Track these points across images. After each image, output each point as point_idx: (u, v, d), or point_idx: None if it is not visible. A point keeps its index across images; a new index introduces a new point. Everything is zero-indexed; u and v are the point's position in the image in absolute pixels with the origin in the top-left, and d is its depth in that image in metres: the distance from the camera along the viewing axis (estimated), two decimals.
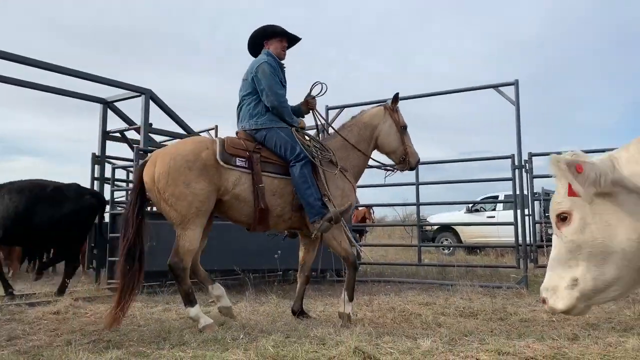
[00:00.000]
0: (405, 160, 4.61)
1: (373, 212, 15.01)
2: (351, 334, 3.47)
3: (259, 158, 4.08)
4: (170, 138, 8.13)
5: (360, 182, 8.19)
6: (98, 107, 7.57)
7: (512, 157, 7.44)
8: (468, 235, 14.41)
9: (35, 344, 3.48)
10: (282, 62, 4.49)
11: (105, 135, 7.67)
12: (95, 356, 3.02)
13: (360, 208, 13.55)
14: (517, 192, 7.41)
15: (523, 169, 7.41)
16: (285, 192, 4.15)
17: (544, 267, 8.29)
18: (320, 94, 4.60)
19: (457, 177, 8.93)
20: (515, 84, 7.37)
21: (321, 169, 4.17)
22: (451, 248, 14.72)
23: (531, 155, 7.48)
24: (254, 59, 4.48)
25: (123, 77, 6.34)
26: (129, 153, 8.04)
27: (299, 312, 4.46)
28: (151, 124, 7.10)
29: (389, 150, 4.65)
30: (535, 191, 7.90)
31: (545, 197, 12.26)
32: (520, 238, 7.39)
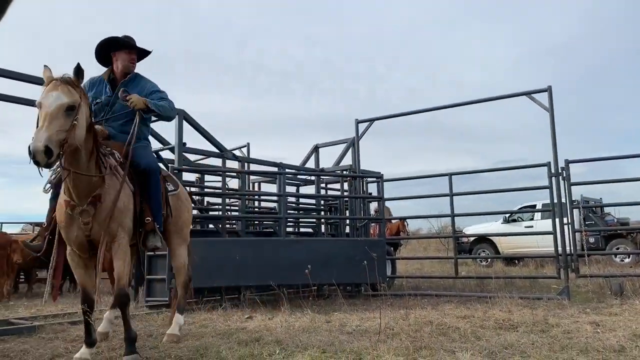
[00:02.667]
0: None
1: (407, 225, 14.88)
2: (388, 349, 3.44)
3: None
4: (204, 157, 8.27)
5: (393, 194, 8.11)
6: None
7: (548, 164, 7.29)
8: (506, 245, 14.10)
9: None
10: (133, 72, 4.21)
11: None
12: None
13: (394, 221, 13.47)
14: (555, 201, 7.24)
15: (560, 177, 7.25)
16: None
17: (586, 277, 8.09)
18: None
19: (493, 187, 8.75)
20: (549, 90, 7.24)
21: None
22: (489, 259, 14.42)
23: (568, 162, 7.31)
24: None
25: None
26: None
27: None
28: (185, 144, 7.24)
29: None
30: (573, 199, 7.69)
31: (585, 205, 11.97)
32: (559, 247, 7.19)
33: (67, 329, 4.99)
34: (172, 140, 7.20)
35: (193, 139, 7.64)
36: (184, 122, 7.06)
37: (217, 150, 7.72)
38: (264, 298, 6.94)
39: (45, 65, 3.27)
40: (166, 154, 7.73)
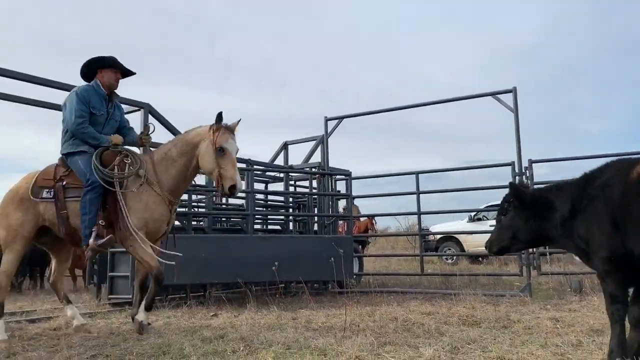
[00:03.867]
0: (220, 184, 4.28)
1: (375, 223, 14.98)
2: (352, 345, 3.45)
3: (62, 186, 4.36)
4: None
5: (361, 192, 8.13)
6: None
7: (512, 164, 7.44)
8: (471, 244, 14.33)
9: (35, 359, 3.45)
10: (114, 91, 4.64)
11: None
12: None
13: (362, 219, 13.54)
14: None
15: (524, 176, 7.40)
16: None
17: (547, 274, 8.30)
18: (152, 132, 4.91)
19: (459, 186, 8.89)
20: (514, 91, 7.38)
21: (119, 191, 4.23)
22: (454, 257, 14.65)
23: (531, 162, 7.48)
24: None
25: (121, 92, 6.32)
26: None
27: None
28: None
29: (205, 171, 4.44)
30: None
31: None
32: None
33: (25, 327, 4.84)
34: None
35: (159, 134, 7.50)
36: (150, 116, 6.92)
37: None
38: (230, 295, 6.88)
39: (220, 113, 4.28)
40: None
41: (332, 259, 5.62)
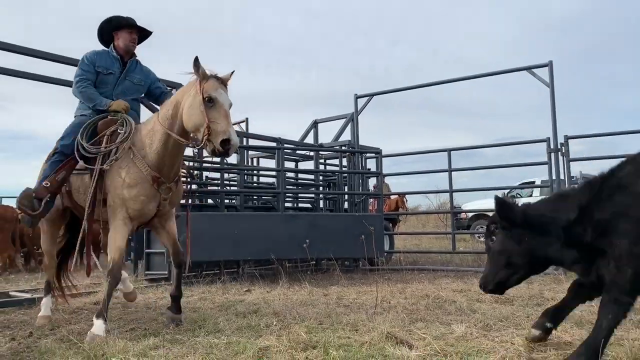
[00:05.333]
0: (210, 143, 3.45)
1: (406, 201, 14.90)
2: (384, 321, 3.47)
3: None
4: None
5: (392, 170, 8.10)
6: None
7: (547, 140, 7.27)
8: None
9: (76, 332, 3.59)
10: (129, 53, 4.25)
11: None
12: (133, 343, 3.10)
13: (393, 197, 13.49)
14: (554, 177, 7.23)
15: (559, 153, 7.23)
16: (88, 187, 3.82)
17: None
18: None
19: (492, 164, 8.74)
20: (549, 65, 7.18)
21: (97, 167, 3.72)
22: None
23: (567, 138, 7.28)
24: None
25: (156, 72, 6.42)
26: None
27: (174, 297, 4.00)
28: None
29: (191, 127, 3.59)
30: (572, 175, 7.68)
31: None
32: None
33: (67, 301, 5.02)
34: None
35: None
36: None
37: None
38: (263, 272, 6.98)
39: (196, 58, 3.54)
40: None
41: (363, 236, 5.64)
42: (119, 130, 3.81)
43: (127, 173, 3.70)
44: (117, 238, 3.65)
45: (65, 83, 5.56)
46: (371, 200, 10.57)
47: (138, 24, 4.25)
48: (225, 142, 3.39)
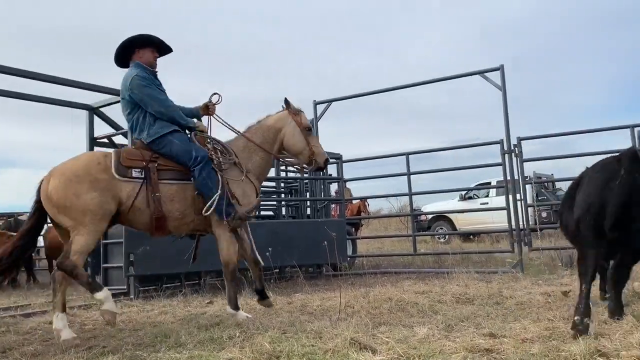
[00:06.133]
0: (313, 160, 4.75)
1: (368, 205, 15.04)
2: (347, 326, 3.48)
3: (156, 167, 4.17)
4: None
5: (353, 175, 8.25)
6: (84, 114, 7.50)
7: (501, 142, 7.47)
8: (462, 222, 14.46)
9: (29, 354, 3.45)
10: (155, 70, 4.52)
11: (93, 142, 7.59)
12: None
13: (354, 201, 13.59)
14: (508, 177, 7.44)
15: (513, 154, 7.44)
16: (184, 196, 4.23)
17: (538, 250, 8.38)
18: (219, 102, 4.72)
19: (450, 166, 8.91)
20: (501, 69, 7.39)
21: (219, 173, 4.26)
22: (446, 236, 14.77)
23: (520, 139, 7.51)
24: (126, 72, 4.47)
25: (108, 82, 6.32)
26: None
27: (260, 291, 4.65)
28: None
29: (296, 151, 4.74)
30: (526, 175, 7.92)
31: (537, 181, 12.36)
32: (513, 223, 7.42)
33: (20, 322, 4.83)
34: (125, 124, 6.99)
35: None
36: None
37: None
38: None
39: (286, 99, 4.78)
40: (119, 139, 7.52)
41: (326, 242, 5.64)
42: (215, 147, 4.43)
43: (246, 183, 4.45)
44: (231, 247, 4.35)
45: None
46: (333, 205, 10.62)
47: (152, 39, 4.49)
48: (327, 161, 4.88)
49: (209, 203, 4.12)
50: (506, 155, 7.42)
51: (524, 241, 7.50)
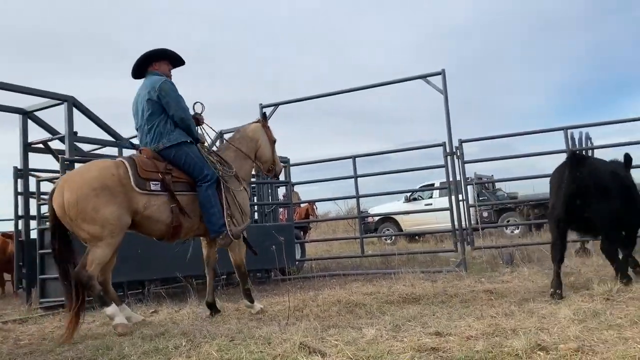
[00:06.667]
0: (273, 169, 5.35)
1: (316, 208, 15.07)
2: (296, 331, 3.46)
3: (171, 179, 4.33)
4: (99, 146, 7.81)
5: (301, 178, 8.30)
6: (17, 118, 7.14)
7: (443, 144, 7.66)
8: (408, 223, 14.74)
9: None
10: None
11: (27, 147, 7.24)
12: None
13: (303, 205, 13.58)
14: (451, 179, 7.64)
15: (455, 156, 7.65)
16: (194, 207, 4.47)
17: (480, 249, 8.63)
18: (203, 111, 4.91)
19: (396, 168, 9.06)
20: (442, 73, 7.58)
21: (224, 186, 4.58)
22: (393, 237, 15.01)
23: (461, 141, 7.73)
24: (143, 80, 4.62)
25: (39, 84, 6.08)
26: (54, 164, 7.64)
27: (211, 305, 4.82)
28: (76, 133, 6.78)
29: (264, 160, 5.21)
30: (467, 176, 8.17)
31: (478, 182, 12.79)
32: (456, 223, 7.63)
33: None
34: (62, 129, 6.72)
35: (88, 127, 7.18)
36: (75, 109, 6.60)
37: (112, 139, 7.32)
38: (170, 291, 6.72)
39: (264, 113, 5.81)
40: (56, 144, 7.21)
41: (274, 247, 5.59)
42: (214, 158, 4.70)
43: (244, 193, 4.83)
44: (242, 250, 4.88)
45: None
46: (281, 209, 10.57)
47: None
48: (281, 170, 5.59)
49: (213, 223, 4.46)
50: (448, 157, 7.63)
51: (467, 240, 7.73)
